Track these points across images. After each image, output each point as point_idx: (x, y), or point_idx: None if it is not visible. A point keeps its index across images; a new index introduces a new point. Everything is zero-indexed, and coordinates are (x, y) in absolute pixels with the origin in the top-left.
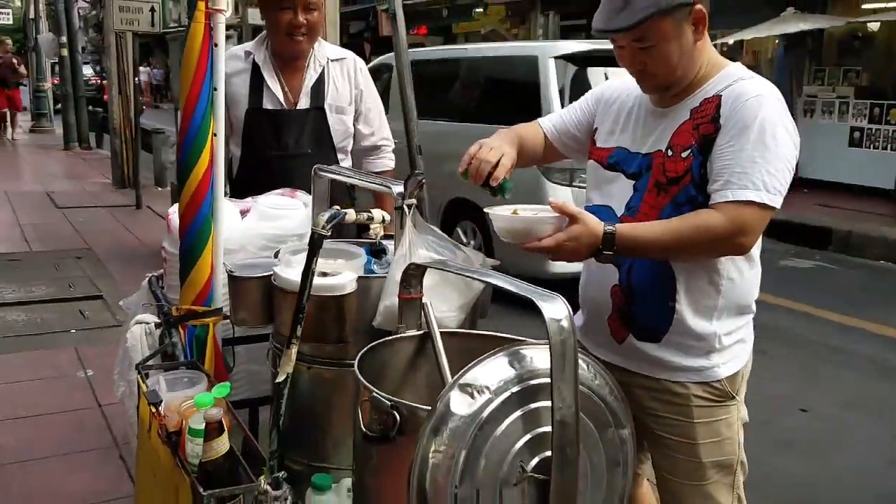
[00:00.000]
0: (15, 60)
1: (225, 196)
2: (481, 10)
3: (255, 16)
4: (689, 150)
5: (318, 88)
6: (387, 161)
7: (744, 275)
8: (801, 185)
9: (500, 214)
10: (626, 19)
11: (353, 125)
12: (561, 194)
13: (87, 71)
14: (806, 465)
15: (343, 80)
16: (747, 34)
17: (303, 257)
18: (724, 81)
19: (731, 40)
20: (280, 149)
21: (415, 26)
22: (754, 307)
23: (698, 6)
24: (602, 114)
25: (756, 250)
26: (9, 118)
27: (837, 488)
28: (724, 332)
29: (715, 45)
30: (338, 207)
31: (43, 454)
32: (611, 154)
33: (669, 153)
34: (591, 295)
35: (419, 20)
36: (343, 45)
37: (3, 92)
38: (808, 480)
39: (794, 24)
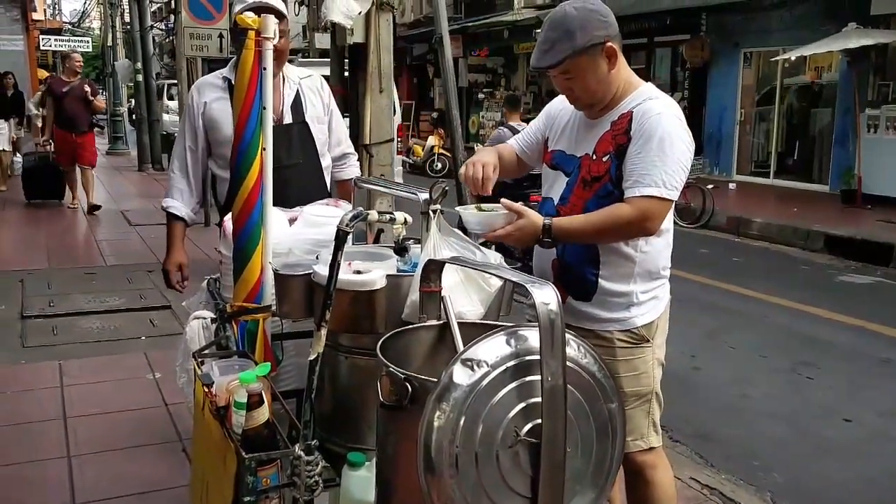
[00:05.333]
0: (88, 88)
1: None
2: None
3: (322, 41)
4: (608, 155)
5: (297, 105)
6: (353, 169)
7: (653, 246)
8: (863, 200)
9: (467, 212)
10: (551, 59)
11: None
12: None
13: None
14: (843, 470)
15: (314, 95)
16: (808, 50)
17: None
18: (637, 100)
19: (793, 56)
20: (274, 161)
21: (477, 48)
22: (666, 272)
23: (609, 43)
24: (551, 125)
25: (667, 224)
26: (78, 178)
27: (871, 490)
28: (641, 291)
29: (776, 62)
30: (361, 208)
31: (114, 446)
32: (553, 156)
33: (594, 157)
34: (539, 268)
35: (481, 42)
36: (408, 66)
37: (69, 140)
38: (844, 484)
39: (855, 39)
